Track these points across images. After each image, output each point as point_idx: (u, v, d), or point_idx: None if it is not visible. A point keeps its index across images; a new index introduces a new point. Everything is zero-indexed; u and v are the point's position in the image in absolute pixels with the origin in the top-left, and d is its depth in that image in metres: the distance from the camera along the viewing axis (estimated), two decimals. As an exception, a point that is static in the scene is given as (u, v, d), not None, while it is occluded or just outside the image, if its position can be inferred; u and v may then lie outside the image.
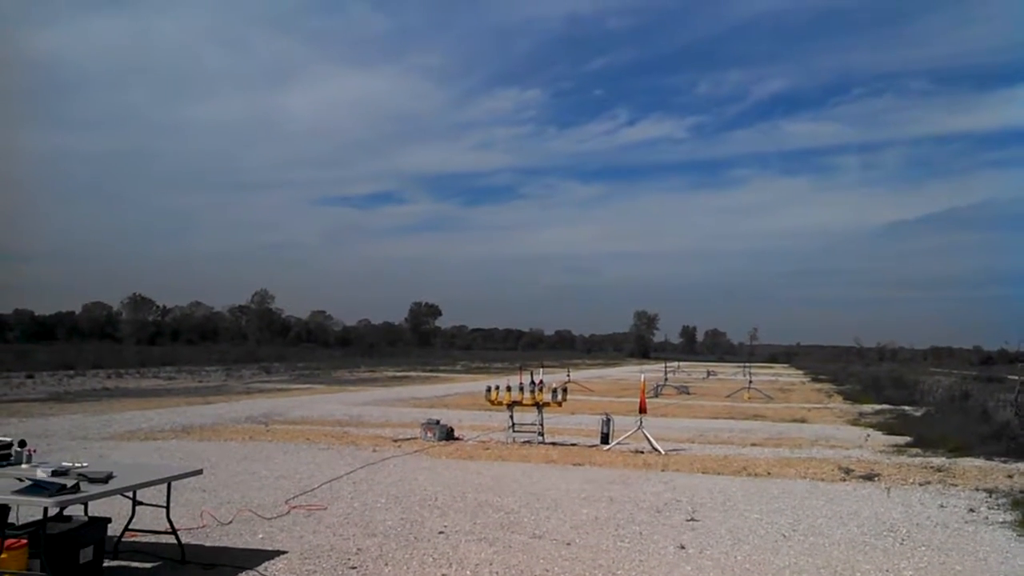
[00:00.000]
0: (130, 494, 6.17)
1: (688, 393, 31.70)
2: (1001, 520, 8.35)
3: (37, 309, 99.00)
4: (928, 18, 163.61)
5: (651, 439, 13.42)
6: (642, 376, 17.83)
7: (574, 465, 11.63)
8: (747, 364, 53.97)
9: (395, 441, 13.87)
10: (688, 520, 8.05)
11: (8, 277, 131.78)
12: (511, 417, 14.30)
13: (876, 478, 10.94)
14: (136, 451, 12.25)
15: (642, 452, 13.03)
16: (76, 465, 5.86)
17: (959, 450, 13.85)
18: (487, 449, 13.11)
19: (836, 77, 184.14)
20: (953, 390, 25.90)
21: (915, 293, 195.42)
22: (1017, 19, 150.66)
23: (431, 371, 51.12)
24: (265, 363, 52.84)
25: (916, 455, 13.56)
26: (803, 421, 20.37)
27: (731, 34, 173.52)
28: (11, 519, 5.81)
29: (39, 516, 5.58)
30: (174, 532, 6.27)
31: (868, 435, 16.68)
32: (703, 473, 11.16)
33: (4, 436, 6.36)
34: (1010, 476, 11.27)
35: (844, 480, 10.80)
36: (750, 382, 32.82)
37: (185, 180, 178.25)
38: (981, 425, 16.22)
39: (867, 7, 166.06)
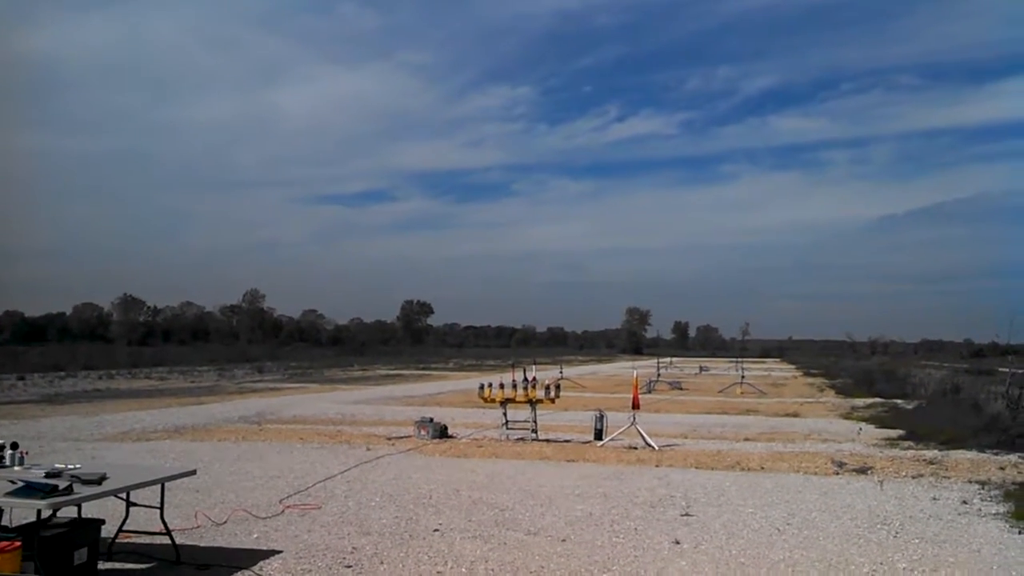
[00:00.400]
0: (124, 495, 6.14)
1: (681, 389, 31.77)
2: (994, 512, 8.41)
3: (27, 310, 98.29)
4: (917, 13, 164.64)
5: (644, 435, 13.45)
6: (635, 372, 17.86)
7: (568, 462, 11.65)
8: (739, 359, 54.09)
9: (389, 439, 13.86)
10: (683, 515, 8.08)
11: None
12: (504, 414, 14.31)
13: (869, 471, 11.00)
14: (129, 452, 12.20)
15: (636, 448, 13.06)
16: (69, 467, 5.83)
17: (951, 443, 13.94)
18: (481, 447, 13.11)
19: (825, 73, 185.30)
20: (944, 383, 26.03)
21: (906, 287, 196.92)
22: (1005, 13, 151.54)
23: (424, 369, 51.06)
24: (257, 362, 52.65)
25: (908, 448, 13.64)
26: (796, 415, 20.47)
27: (720, 30, 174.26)
28: (4, 521, 5.79)
29: (33, 518, 5.56)
30: (168, 533, 6.25)
31: (860, 429, 16.77)
32: (697, 468, 11.19)
33: (-4, 438, 6.32)
34: (1002, 468, 11.35)
35: (837, 474, 10.86)
36: (742, 377, 32.97)
37: (177, 179, 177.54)
38: (973, 418, 16.33)
39: (856, 3, 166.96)
